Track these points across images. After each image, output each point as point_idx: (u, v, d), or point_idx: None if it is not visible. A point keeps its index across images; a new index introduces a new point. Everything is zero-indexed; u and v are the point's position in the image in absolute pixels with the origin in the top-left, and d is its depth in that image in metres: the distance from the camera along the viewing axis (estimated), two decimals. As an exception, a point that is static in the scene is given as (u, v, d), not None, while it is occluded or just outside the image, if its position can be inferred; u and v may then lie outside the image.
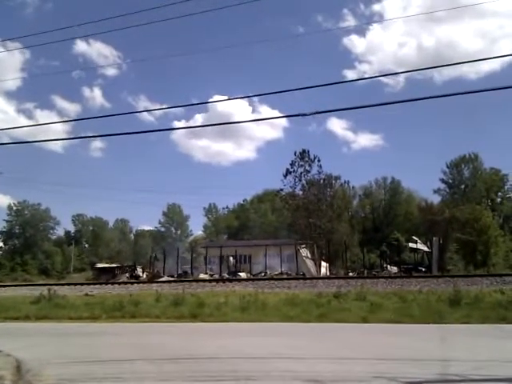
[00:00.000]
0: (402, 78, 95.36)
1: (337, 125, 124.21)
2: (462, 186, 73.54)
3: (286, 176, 48.19)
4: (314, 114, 9.30)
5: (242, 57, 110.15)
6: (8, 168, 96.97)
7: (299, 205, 48.03)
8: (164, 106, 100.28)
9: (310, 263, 44.45)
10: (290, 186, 48.34)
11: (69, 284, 29.11)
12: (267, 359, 7.58)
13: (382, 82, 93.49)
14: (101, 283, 29.17)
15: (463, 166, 73.80)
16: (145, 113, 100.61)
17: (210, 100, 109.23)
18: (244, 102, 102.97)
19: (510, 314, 12.41)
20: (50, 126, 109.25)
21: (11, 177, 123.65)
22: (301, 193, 48.80)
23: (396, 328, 11.76)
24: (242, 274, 36.34)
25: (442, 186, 74.49)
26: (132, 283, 28.59)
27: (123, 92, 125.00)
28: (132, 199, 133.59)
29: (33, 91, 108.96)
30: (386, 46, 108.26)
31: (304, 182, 48.57)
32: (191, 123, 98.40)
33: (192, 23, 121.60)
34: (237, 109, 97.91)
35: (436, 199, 69.61)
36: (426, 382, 6.12)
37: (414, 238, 49.57)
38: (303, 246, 45.50)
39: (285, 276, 33.64)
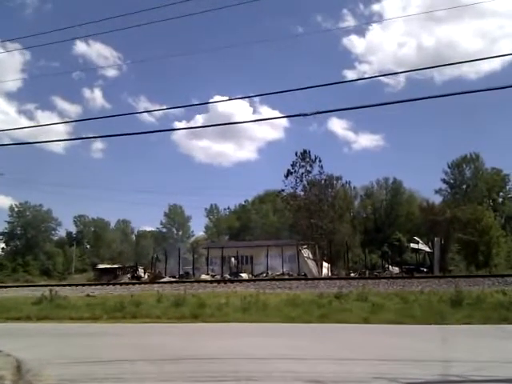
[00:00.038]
0: (402, 78, 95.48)
1: (337, 125, 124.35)
2: (464, 186, 73.45)
3: (287, 176, 48.27)
4: (315, 114, 9.29)
5: (241, 57, 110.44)
6: (9, 169, 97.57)
7: (301, 205, 48.05)
8: (164, 107, 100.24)
9: (311, 264, 44.42)
10: (292, 187, 48.43)
11: (70, 285, 29.10)
12: (268, 360, 7.56)
13: (382, 82, 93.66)
14: (102, 284, 29.17)
15: (464, 166, 73.73)
16: (145, 114, 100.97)
17: (211, 100, 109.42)
18: (245, 103, 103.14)
19: (511, 315, 12.38)
20: (51, 127, 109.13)
21: (13, 178, 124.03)
22: (302, 193, 48.84)
23: (397, 329, 11.73)
24: (244, 275, 36.31)
25: (444, 186, 74.53)
26: (133, 284, 28.59)
27: (123, 93, 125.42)
28: (133, 200, 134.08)
29: (33, 92, 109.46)
30: (385, 46, 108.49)
31: (305, 182, 48.65)
32: (192, 124, 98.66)
33: (192, 23, 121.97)
34: (237, 109, 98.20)
35: (437, 199, 69.61)
36: (427, 383, 6.10)
37: (415, 238, 49.50)
38: (305, 246, 45.47)
39: (286, 277, 33.61)
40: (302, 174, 48.44)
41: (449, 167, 73.98)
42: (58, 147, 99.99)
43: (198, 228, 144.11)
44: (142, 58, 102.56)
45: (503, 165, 73.02)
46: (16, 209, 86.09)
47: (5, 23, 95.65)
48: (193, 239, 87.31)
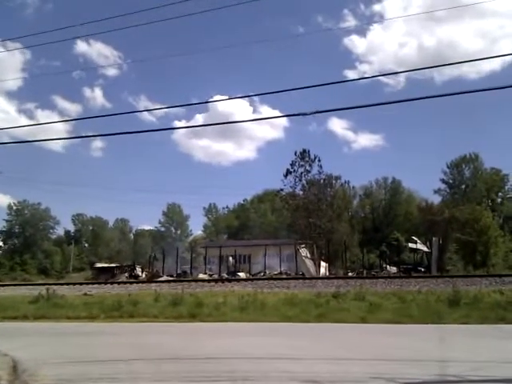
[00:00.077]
0: (402, 78, 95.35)
1: (337, 125, 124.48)
2: (463, 186, 73.55)
3: (286, 176, 48.21)
4: (315, 113, 9.27)
5: (241, 57, 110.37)
6: (8, 168, 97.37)
7: (299, 205, 48.01)
8: (164, 106, 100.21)
9: (309, 263, 44.43)
10: (290, 186, 48.36)
11: (68, 284, 29.06)
12: (265, 359, 7.54)
13: (383, 82, 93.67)
14: (100, 283, 29.13)
15: (464, 166, 73.81)
16: (145, 113, 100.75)
17: (211, 100, 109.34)
18: (244, 102, 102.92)
19: (508, 315, 12.39)
20: (51, 126, 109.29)
21: (11, 176, 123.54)
22: (301, 193, 48.79)
23: (395, 328, 11.73)
24: (242, 274, 36.31)
25: (443, 186, 74.66)
26: (131, 283, 28.55)
27: (124, 92, 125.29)
28: (132, 199, 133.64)
29: (34, 91, 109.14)
30: (386, 46, 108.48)
31: (304, 181, 48.58)
32: (192, 123, 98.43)
33: (192, 23, 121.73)
34: (237, 109, 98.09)
35: (436, 199, 69.77)
36: (424, 383, 6.09)
37: (413, 238, 49.55)
38: (303, 245, 45.49)
39: (284, 276, 33.61)
40: (301, 173, 48.40)
41: (448, 167, 74.15)
42: (58, 146, 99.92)
43: (197, 227, 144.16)
44: (143, 58, 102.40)
45: (502, 165, 73.05)
46: (14, 207, 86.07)
47: (5, 23, 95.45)
48: (191, 238, 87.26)
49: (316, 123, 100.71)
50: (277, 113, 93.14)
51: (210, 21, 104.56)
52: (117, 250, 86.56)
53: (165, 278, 34.56)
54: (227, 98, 45.31)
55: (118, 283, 28.43)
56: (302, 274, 36.92)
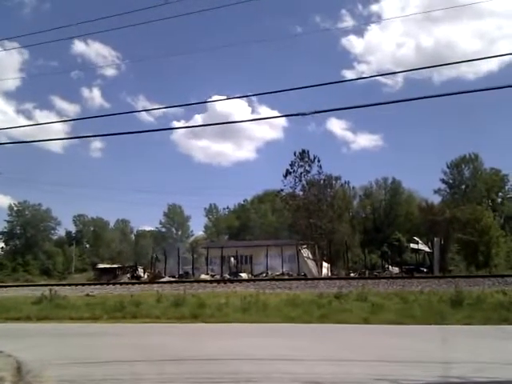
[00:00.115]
0: (400, 78, 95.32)
1: (336, 125, 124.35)
2: (463, 187, 73.51)
3: (286, 176, 48.32)
4: (313, 113, 9.31)
5: (240, 57, 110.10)
6: (8, 168, 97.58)
7: (299, 205, 48.07)
8: (162, 106, 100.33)
9: (311, 264, 44.43)
10: (290, 187, 48.47)
11: (70, 284, 29.10)
12: (268, 360, 7.55)
13: (381, 82, 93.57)
14: (102, 284, 29.16)
15: (463, 166, 73.80)
16: (144, 113, 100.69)
17: (209, 100, 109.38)
18: (243, 103, 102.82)
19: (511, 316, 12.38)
20: (50, 127, 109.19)
21: (11, 177, 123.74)
22: (301, 193, 48.86)
23: (397, 329, 11.72)
24: (243, 275, 36.32)
25: (443, 186, 74.64)
26: (133, 284, 28.58)
27: (122, 92, 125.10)
28: (132, 200, 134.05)
29: (32, 91, 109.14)
30: (384, 46, 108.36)
31: (304, 182, 48.70)
32: (191, 123, 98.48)
33: (190, 23, 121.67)
34: (236, 109, 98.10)
35: (436, 199, 69.67)
36: (427, 385, 6.10)
37: (415, 238, 49.52)
38: (304, 246, 45.49)
39: (286, 277, 33.61)
40: (301, 173, 48.49)
41: (448, 167, 74.13)
42: (57, 146, 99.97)
43: (198, 228, 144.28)
44: (141, 58, 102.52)
45: (502, 165, 73.25)
46: (15, 208, 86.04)
47: (3, 22, 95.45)
48: (192, 239, 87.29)
49: (315, 123, 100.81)
50: (276, 113, 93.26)
51: (209, 20, 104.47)
52: (118, 250, 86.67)
53: (167, 278, 34.59)
54: (226, 98, 45.06)
55: (120, 284, 28.46)
56: (304, 274, 36.92)
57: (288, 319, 13.25)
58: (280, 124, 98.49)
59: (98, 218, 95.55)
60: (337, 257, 48.44)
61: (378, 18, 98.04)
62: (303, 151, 48.92)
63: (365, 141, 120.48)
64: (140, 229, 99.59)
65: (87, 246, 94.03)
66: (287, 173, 48.21)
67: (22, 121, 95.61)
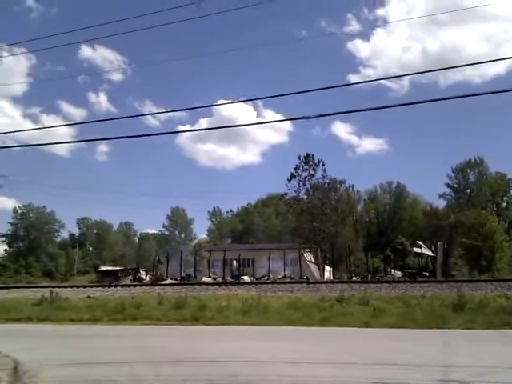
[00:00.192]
0: (406, 82, 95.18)
1: (341, 129, 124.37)
2: (468, 191, 73.23)
3: (290, 180, 48.17)
4: (318, 116, 9.28)
5: (245, 61, 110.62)
6: (14, 171, 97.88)
7: (303, 209, 47.95)
8: (168, 110, 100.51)
9: (313, 267, 44.30)
10: (295, 190, 48.32)
11: (71, 286, 29.10)
12: (267, 363, 7.52)
13: (386, 86, 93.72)
14: (104, 286, 29.12)
15: (469, 170, 73.52)
16: (150, 117, 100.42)
17: (214, 104, 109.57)
18: (248, 107, 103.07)
19: (514, 320, 12.29)
20: (56, 131, 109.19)
21: (17, 180, 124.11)
22: (305, 197, 48.73)
23: (399, 333, 11.65)
24: (245, 278, 36.24)
25: (448, 190, 74.32)
26: (135, 286, 28.56)
27: (128, 97, 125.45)
28: (136, 203, 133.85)
29: (39, 96, 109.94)
30: (390, 50, 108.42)
31: (308, 186, 48.54)
32: (196, 128, 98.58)
33: (196, 27, 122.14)
34: (241, 113, 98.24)
35: (441, 204, 69.50)
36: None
37: (418, 242, 49.35)
38: (307, 250, 45.36)
39: (288, 280, 33.52)
40: (305, 177, 48.35)
41: (453, 171, 73.87)
42: (63, 150, 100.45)
43: (201, 231, 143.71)
44: (147, 62, 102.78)
45: (508, 169, 72.74)
46: (19, 211, 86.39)
47: (11, 28, 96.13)
48: (195, 242, 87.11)
49: (320, 127, 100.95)
50: (281, 117, 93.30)
51: (215, 25, 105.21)
52: (121, 253, 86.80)
53: (169, 281, 34.56)
54: (231, 101, 45.08)
55: (122, 286, 28.42)
56: (306, 278, 36.78)
57: (289, 322, 13.21)
58: (285, 128, 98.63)
59: (102, 220, 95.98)
60: (339, 261, 48.28)
61: (383, 23, 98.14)
62: (308, 155, 48.84)
63: (370, 145, 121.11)
64: (143, 232, 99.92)
65: (90, 248, 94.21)
66: (291, 176, 48.13)
67: (29, 125, 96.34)
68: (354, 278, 36.59)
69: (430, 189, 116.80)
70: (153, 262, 48.85)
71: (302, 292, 22.21)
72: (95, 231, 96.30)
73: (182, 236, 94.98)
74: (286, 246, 43.90)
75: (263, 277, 37.64)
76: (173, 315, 14.86)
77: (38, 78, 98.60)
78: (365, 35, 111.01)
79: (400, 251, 51.95)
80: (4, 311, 16.04)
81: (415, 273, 39.94)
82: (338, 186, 55.42)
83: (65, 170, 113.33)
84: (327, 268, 44.01)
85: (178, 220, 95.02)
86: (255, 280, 34.55)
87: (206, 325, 13.42)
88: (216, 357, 8.10)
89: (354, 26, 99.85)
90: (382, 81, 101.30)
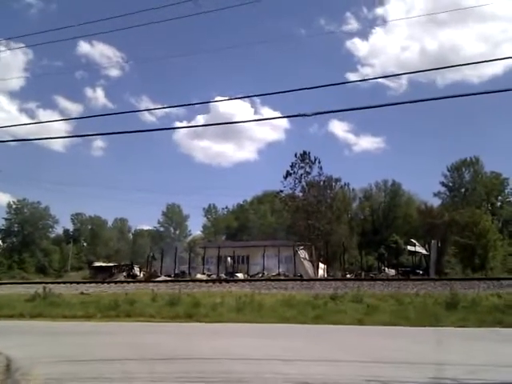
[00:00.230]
0: (404, 81, 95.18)
1: (338, 127, 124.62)
2: (463, 190, 73.53)
3: (286, 177, 48.22)
4: (315, 114, 9.27)
5: (243, 58, 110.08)
6: (10, 166, 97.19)
7: (299, 206, 48.01)
8: (164, 106, 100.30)
9: (307, 265, 44.41)
10: (290, 188, 48.38)
11: (65, 282, 29.02)
12: (261, 361, 7.51)
13: (385, 85, 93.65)
14: (97, 282, 29.08)
15: (464, 169, 73.83)
16: (147, 113, 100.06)
17: (211, 100, 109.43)
18: (246, 104, 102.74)
19: (506, 318, 12.36)
20: (52, 126, 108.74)
21: (12, 175, 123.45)
22: (301, 194, 48.78)
23: (392, 330, 11.69)
24: (240, 275, 36.24)
25: (443, 189, 74.61)
26: (128, 282, 28.52)
27: (126, 93, 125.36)
28: (132, 199, 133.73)
29: (36, 91, 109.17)
30: (388, 49, 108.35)
31: (304, 183, 48.58)
32: (193, 124, 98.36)
33: (194, 24, 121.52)
34: (238, 110, 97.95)
35: (436, 202, 69.76)
36: (419, 386, 6.05)
37: (412, 240, 49.55)
38: (301, 247, 45.44)
39: (282, 277, 33.56)
40: (301, 175, 48.40)
41: (448, 170, 74.16)
42: (58, 145, 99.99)
43: (196, 227, 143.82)
44: (145, 58, 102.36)
45: (503, 169, 73.00)
46: (14, 206, 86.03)
47: (8, 22, 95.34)
48: (190, 238, 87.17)
49: (317, 125, 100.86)
50: (278, 114, 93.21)
51: (212, 21, 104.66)
52: (115, 249, 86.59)
53: (163, 277, 34.50)
54: (228, 98, 44.95)
55: (115, 282, 28.38)
56: (300, 275, 36.84)
57: (283, 320, 13.22)
58: (282, 125, 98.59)
59: (96, 216, 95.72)
60: (333, 258, 48.41)
61: (382, 21, 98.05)
62: (304, 152, 48.88)
63: (367, 143, 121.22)
64: (138, 228, 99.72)
65: (85, 244, 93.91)
66: (287, 174, 48.18)
67: (25, 120, 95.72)
68: (348, 276, 36.69)
69: (425, 187, 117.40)
70: (147, 258, 48.76)
71: (296, 289, 22.23)
72: (89, 227, 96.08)
73: (177, 232, 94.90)
74: (280, 244, 43.93)
75: (257, 274, 37.67)
76: (167, 312, 14.83)
77: (35, 73, 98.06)
78: (363, 34, 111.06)
79: (394, 249, 52.19)
80: (-3, 307, 15.95)
81: (409, 271, 40.11)
82: (334, 183, 55.51)
83: (60, 165, 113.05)
84: (321, 265, 44.12)
85: (173, 216, 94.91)
86: (249, 277, 34.57)
87: (200, 322, 13.43)
88: (209, 354, 8.09)
89: (352, 24, 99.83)
90: (380, 80, 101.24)
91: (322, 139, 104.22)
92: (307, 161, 48.58)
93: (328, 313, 14.02)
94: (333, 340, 10.52)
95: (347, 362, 7.47)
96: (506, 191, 73.17)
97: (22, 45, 71.66)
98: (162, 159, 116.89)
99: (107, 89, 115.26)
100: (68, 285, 26.44)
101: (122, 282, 29.43)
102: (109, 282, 28.34)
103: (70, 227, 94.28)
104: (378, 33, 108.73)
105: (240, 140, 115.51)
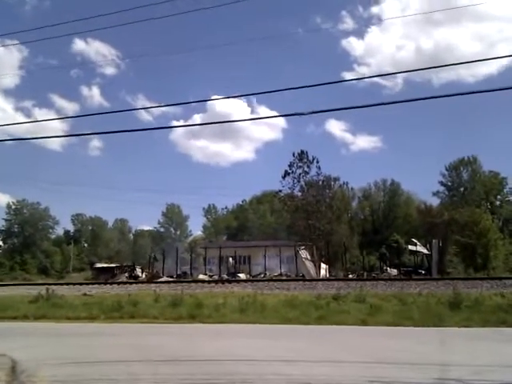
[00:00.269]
0: (400, 80, 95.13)
1: (335, 126, 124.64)
2: (461, 189, 73.60)
3: (284, 177, 48.16)
4: (311, 113, 9.29)
5: (239, 56, 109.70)
6: (7, 166, 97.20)
7: (298, 206, 47.97)
8: (161, 104, 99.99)
9: (309, 265, 44.40)
10: (289, 187, 48.31)
11: (67, 283, 29.05)
12: (264, 362, 7.51)
13: (380, 84, 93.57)
14: (99, 283, 29.10)
15: (462, 168, 73.89)
16: (143, 113, 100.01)
17: (208, 99, 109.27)
18: (242, 103, 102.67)
19: (510, 318, 12.34)
20: (49, 125, 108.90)
21: (10, 175, 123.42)
22: (299, 194, 48.76)
23: (395, 331, 11.68)
24: (242, 275, 36.28)
25: (441, 188, 74.68)
26: (131, 283, 28.54)
27: (121, 91, 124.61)
28: (131, 199, 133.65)
29: (31, 89, 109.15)
30: (384, 48, 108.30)
31: (303, 183, 48.55)
32: (189, 123, 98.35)
33: (190, 21, 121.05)
34: (235, 110, 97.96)
35: (435, 202, 69.79)
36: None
37: (413, 240, 49.53)
38: (303, 247, 45.43)
39: (284, 277, 33.58)
40: (300, 174, 48.35)
41: (446, 169, 74.19)
42: (56, 145, 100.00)
43: (196, 227, 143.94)
44: (140, 56, 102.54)
45: (501, 168, 73.09)
46: (13, 206, 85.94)
47: (3, 20, 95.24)
48: (191, 239, 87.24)
49: (314, 125, 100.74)
50: (274, 113, 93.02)
51: (209, 19, 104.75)
52: (116, 250, 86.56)
53: (165, 278, 34.55)
54: (224, 96, 45.03)
55: (118, 283, 28.40)
56: (302, 275, 36.87)
57: (285, 320, 13.21)
58: (279, 125, 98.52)
59: (97, 217, 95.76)
60: (335, 258, 48.42)
61: (378, 20, 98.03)
62: (302, 152, 48.83)
63: (364, 142, 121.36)
64: (138, 228, 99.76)
65: (85, 245, 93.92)
66: (286, 174, 48.12)
67: (21, 119, 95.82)
68: (350, 276, 36.70)
69: (424, 187, 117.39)
70: (148, 259, 48.78)
71: (299, 290, 22.25)
72: (90, 228, 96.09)
73: (178, 233, 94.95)
74: (281, 244, 43.95)
75: (259, 274, 37.71)
76: (169, 313, 14.83)
77: (30, 71, 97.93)
78: (359, 33, 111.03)
79: (395, 249, 52.15)
80: (0, 309, 15.94)
81: (411, 271, 40.13)
82: (333, 183, 55.49)
83: (58, 165, 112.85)
84: (323, 265, 44.12)
85: (173, 217, 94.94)
86: (251, 277, 34.60)
87: (203, 323, 13.42)
88: (213, 355, 8.10)
89: (348, 23, 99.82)
90: (375, 79, 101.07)
91: (319, 138, 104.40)
92: (305, 160, 48.53)
93: (331, 313, 14.00)
94: (336, 340, 10.52)
95: (350, 362, 7.47)
96: (505, 190, 73.31)
97: (17, 42, 71.51)
98: (160, 159, 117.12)
99: (103, 87, 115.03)
100: (71, 286, 26.47)
101: (124, 283, 29.47)
102: (111, 283, 28.37)
103: (71, 228, 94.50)
104: (373, 32, 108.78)
105: (237, 139, 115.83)
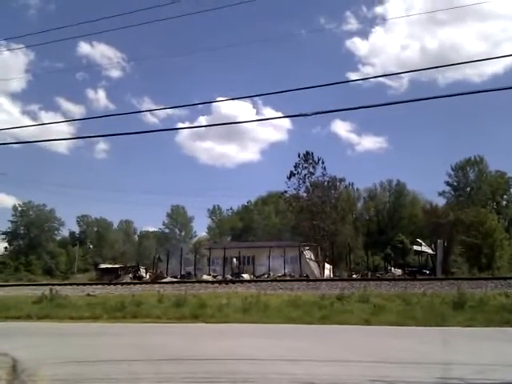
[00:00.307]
0: (405, 80, 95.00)
1: (341, 127, 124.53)
2: (468, 189, 73.29)
3: (290, 178, 48.27)
4: (316, 114, 9.27)
5: (243, 58, 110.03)
6: (14, 169, 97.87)
7: (303, 207, 48.01)
8: (167, 106, 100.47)
9: (313, 265, 44.33)
10: (294, 188, 48.41)
11: (71, 284, 29.12)
12: (267, 361, 7.50)
13: (386, 84, 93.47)
14: (103, 283, 29.14)
15: (468, 168, 73.61)
16: (149, 115, 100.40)
17: (213, 100, 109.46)
18: (247, 105, 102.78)
19: (514, 318, 12.27)
20: (55, 128, 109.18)
21: (16, 178, 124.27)
22: (305, 195, 48.77)
23: (399, 330, 11.63)
24: (245, 276, 36.25)
25: (447, 188, 74.49)
26: (135, 284, 28.55)
27: (127, 94, 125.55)
28: (136, 200, 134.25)
29: (37, 93, 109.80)
30: (389, 48, 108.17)
31: (308, 184, 48.60)
32: (195, 125, 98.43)
33: (193, 23, 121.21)
34: (240, 111, 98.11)
35: (441, 202, 69.63)
36: (426, 386, 6.02)
37: (418, 240, 49.36)
38: (307, 248, 45.39)
39: (288, 278, 33.53)
40: (305, 175, 48.43)
41: (452, 170, 73.95)
42: (62, 147, 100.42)
43: (201, 229, 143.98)
44: (146, 59, 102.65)
45: (507, 168, 72.75)
46: (19, 208, 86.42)
47: (9, 23, 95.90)
48: (195, 240, 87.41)
49: (319, 125, 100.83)
50: (279, 114, 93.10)
51: (212, 21, 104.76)
52: (121, 251, 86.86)
53: (169, 279, 34.56)
54: (229, 98, 45.11)
55: (122, 284, 28.43)
56: (306, 276, 36.80)
57: (289, 320, 13.18)
58: (284, 126, 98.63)
59: (102, 218, 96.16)
60: (339, 258, 48.33)
61: (382, 20, 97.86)
62: (307, 153, 48.89)
63: (369, 143, 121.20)
64: (143, 229, 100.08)
65: (91, 246, 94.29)
66: (291, 174, 48.19)
67: (28, 122, 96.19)
68: (354, 276, 36.61)
69: (430, 187, 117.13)
70: (153, 259, 48.88)
71: (302, 290, 22.19)
72: (95, 229, 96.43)
73: (182, 234, 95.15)
74: (286, 244, 43.91)
75: (263, 275, 37.66)
76: (173, 313, 14.83)
77: (36, 74, 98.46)
78: (364, 33, 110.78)
79: (400, 249, 52.03)
80: (4, 309, 15.97)
81: (415, 271, 39.98)
82: (338, 183, 55.57)
83: (64, 167, 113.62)
84: (327, 266, 44.04)
85: (178, 218, 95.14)
86: (255, 278, 34.56)
87: (206, 323, 13.40)
88: (215, 355, 8.09)
89: (352, 23, 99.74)
90: (380, 79, 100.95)
91: (324, 139, 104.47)
92: (310, 161, 48.60)
93: (334, 313, 13.96)
94: (339, 340, 10.49)
95: (353, 362, 7.44)
96: None
97: (22, 46, 71.94)
98: (165, 161, 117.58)
99: (109, 90, 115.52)
100: (74, 286, 26.52)
101: (128, 283, 29.49)
102: (115, 284, 28.41)
103: (76, 229, 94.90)
104: (378, 32, 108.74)
105: (243, 141, 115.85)
